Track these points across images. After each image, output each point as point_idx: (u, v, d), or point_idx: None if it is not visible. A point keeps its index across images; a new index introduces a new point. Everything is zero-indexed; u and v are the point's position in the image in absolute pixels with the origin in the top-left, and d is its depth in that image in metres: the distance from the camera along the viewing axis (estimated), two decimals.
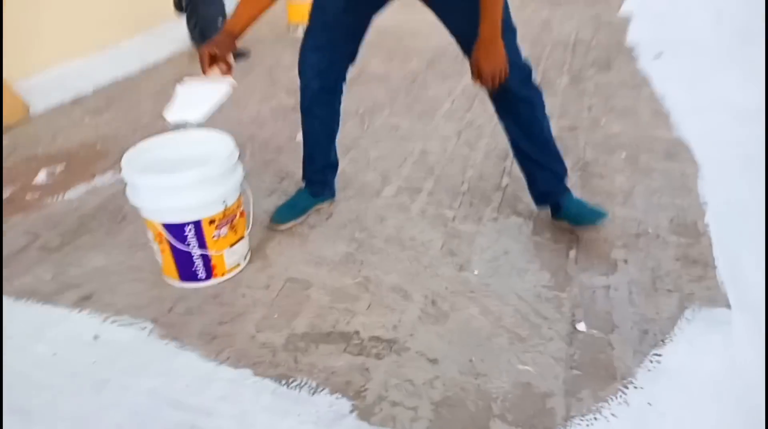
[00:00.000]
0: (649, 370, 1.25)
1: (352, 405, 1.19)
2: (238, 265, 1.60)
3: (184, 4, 3.42)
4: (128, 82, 3.16)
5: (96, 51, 3.35)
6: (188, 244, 1.47)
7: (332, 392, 1.22)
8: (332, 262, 1.63)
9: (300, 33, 1.68)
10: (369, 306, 1.46)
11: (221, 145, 1.51)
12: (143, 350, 1.35)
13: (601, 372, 1.25)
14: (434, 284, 1.53)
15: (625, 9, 4.13)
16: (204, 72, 1.45)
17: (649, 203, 1.84)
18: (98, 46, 3.37)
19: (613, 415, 1.15)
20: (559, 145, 1.69)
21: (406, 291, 1.50)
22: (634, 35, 3.57)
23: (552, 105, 2.49)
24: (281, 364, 1.30)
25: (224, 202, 1.48)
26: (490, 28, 1.39)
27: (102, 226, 1.85)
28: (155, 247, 1.52)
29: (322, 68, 1.62)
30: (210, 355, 1.33)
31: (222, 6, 3.46)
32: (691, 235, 1.67)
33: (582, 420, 1.14)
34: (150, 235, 1.51)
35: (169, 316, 1.45)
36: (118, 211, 1.92)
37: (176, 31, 3.68)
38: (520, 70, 1.52)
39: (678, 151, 2.15)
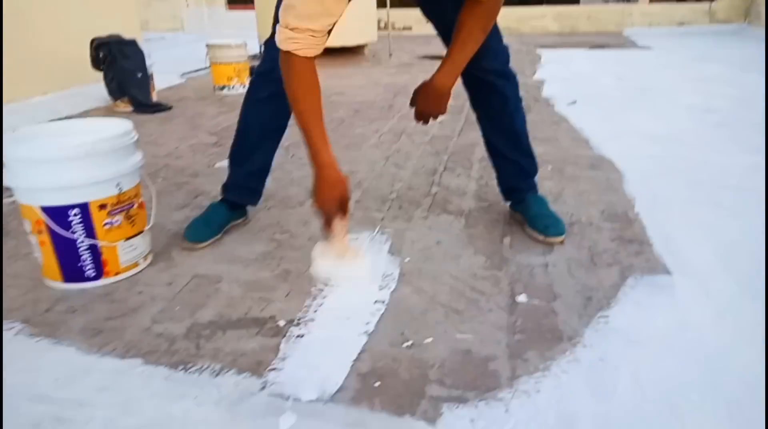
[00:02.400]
0: (597, 330, 1.13)
1: (263, 382, 0.99)
2: (136, 264, 1.39)
3: (101, 60, 3.34)
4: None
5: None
6: (73, 232, 1.27)
7: (240, 373, 1.01)
8: (247, 259, 1.46)
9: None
10: (288, 294, 1.29)
11: (120, 127, 1.36)
12: (5, 350, 1.10)
13: (546, 335, 1.12)
14: None
15: (536, 77, 4.44)
16: (329, 235, 1.21)
17: (579, 200, 1.81)
18: (6, 99, 3.17)
19: (563, 372, 1.01)
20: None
21: (330, 278, 1.34)
22: (547, 92, 3.79)
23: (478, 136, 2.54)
24: (179, 352, 1.08)
25: (118, 185, 1.30)
26: (446, 77, 1.29)
27: None
28: (34, 240, 1.30)
29: None
30: (91, 348, 1.09)
31: (142, 60, 3.40)
32: (623, 222, 1.64)
33: (530, 378, 0.99)
34: (28, 226, 1.29)
35: (44, 316, 1.21)
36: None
37: (92, 90, 3.57)
38: (498, 55, 1.45)
39: (601, 164, 2.19)
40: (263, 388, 0.97)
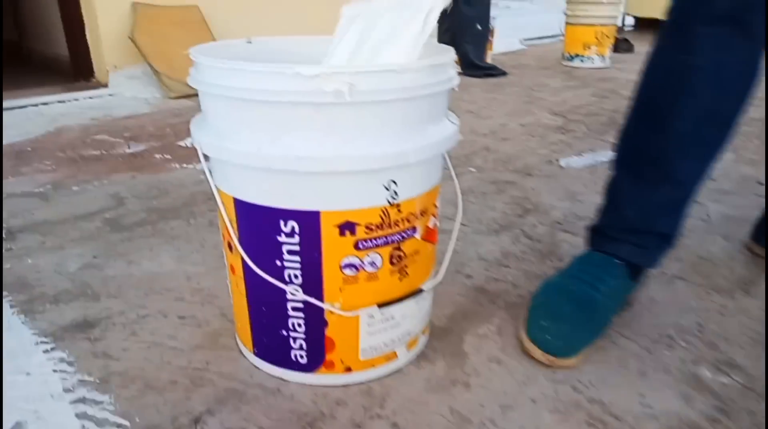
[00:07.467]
0: None
1: None
2: (392, 356, 0.64)
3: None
4: None
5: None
6: (281, 272, 0.57)
7: None
8: (629, 415, 0.57)
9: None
10: None
11: (431, 56, 0.60)
12: None
13: None
14: None
15: None
16: None
17: None
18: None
19: None
20: None
21: None
22: None
23: None
24: None
25: (391, 185, 0.55)
26: None
27: (211, 211, 1.10)
28: (225, 262, 0.66)
29: None
30: None
31: (486, 11, 2.73)
32: None
33: None
34: (221, 227, 0.66)
35: None
36: None
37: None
38: None
39: None
40: None
